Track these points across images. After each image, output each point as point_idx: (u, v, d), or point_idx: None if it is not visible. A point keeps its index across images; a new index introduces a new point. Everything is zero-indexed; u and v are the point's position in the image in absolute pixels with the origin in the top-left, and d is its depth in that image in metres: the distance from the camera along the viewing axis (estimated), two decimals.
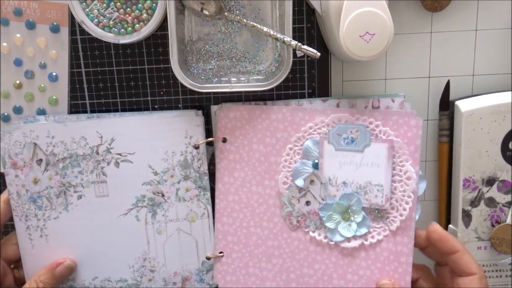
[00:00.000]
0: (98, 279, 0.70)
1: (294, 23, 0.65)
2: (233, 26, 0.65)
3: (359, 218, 0.64)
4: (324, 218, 0.65)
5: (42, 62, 0.67)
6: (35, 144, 0.67)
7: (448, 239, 0.61)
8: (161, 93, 0.69)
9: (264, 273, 0.69)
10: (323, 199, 0.65)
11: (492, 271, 0.70)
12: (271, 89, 0.66)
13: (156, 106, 0.69)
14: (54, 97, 0.68)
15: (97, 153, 0.67)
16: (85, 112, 0.69)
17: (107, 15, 0.63)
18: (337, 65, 0.69)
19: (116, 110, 0.69)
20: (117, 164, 0.68)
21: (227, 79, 0.66)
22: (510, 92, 0.66)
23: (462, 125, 0.66)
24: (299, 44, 0.61)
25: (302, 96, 0.68)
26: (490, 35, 0.68)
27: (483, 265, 0.70)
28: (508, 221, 0.68)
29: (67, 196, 0.68)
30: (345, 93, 0.69)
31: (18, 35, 0.66)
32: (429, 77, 0.69)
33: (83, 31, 0.66)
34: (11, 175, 0.67)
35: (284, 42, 0.61)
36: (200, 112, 0.67)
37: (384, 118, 0.63)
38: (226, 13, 0.64)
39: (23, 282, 0.69)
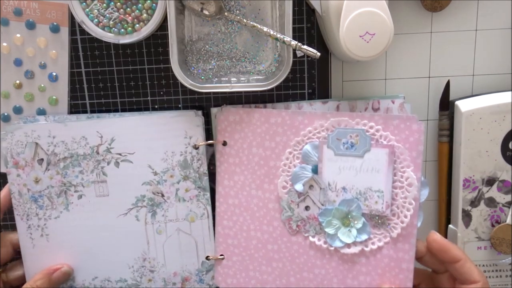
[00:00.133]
0: (98, 279, 0.70)
1: (294, 23, 0.65)
2: (233, 26, 0.65)
3: (359, 224, 0.63)
4: (323, 223, 0.64)
5: (42, 62, 0.67)
6: (36, 143, 0.67)
7: (449, 248, 0.60)
8: (161, 93, 0.69)
9: (265, 276, 0.68)
10: (322, 204, 0.65)
11: (492, 271, 0.70)
12: (271, 89, 0.66)
13: (156, 106, 0.69)
14: (54, 97, 0.68)
15: (97, 153, 0.67)
16: (85, 112, 0.69)
17: (107, 15, 0.63)
18: (337, 65, 0.69)
19: (116, 110, 0.69)
20: (117, 164, 0.68)
21: (227, 79, 0.66)
22: (510, 92, 0.66)
23: (462, 125, 0.66)
24: (299, 44, 0.61)
25: (302, 96, 0.68)
26: (490, 35, 0.68)
27: (483, 265, 0.70)
28: (508, 221, 0.68)
29: (67, 195, 0.68)
30: (345, 93, 0.69)
31: (18, 35, 0.66)
32: (429, 77, 0.69)
33: (83, 31, 0.66)
34: (13, 174, 0.67)
35: (284, 42, 0.61)
36: (199, 112, 0.67)
37: (385, 123, 0.62)
38: (226, 13, 0.64)
39: (11, 285, 0.69)
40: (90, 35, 0.64)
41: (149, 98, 0.69)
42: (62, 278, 0.68)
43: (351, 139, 0.63)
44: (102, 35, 0.64)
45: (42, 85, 0.68)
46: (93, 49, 0.67)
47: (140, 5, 0.63)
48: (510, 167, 0.67)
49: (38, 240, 0.69)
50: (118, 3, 0.63)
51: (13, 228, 0.71)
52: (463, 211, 0.68)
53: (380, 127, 0.62)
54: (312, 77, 0.68)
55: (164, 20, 0.64)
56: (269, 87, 0.63)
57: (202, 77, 0.66)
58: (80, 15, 0.63)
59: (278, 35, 0.62)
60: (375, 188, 0.63)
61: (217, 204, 0.69)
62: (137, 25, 0.63)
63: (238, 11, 0.64)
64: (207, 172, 0.68)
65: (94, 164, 0.68)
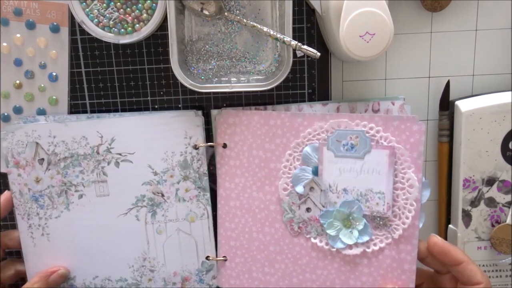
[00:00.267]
0: (99, 278, 0.70)
1: (294, 23, 0.65)
2: (233, 26, 0.65)
3: (360, 226, 0.63)
4: (325, 225, 0.64)
5: (42, 62, 0.67)
6: (37, 143, 0.67)
7: (451, 251, 0.60)
8: (161, 93, 0.69)
9: (267, 277, 0.68)
10: (323, 206, 0.65)
11: (492, 271, 0.70)
12: (271, 89, 0.66)
13: (156, 106, 0.69)
14: (54, 97, 0.68)
15: (98, 152, 0.67)
16: (85, 112, 0.69)
17: (107, 15, 0.63)
18: (337, 65, 0.69)
19: (116, 110, 0.69)
20: (117, 164, 0.68)
21: (227, 79, 0.66)
22: (510, 92, 0.66)
23: (462, 125, 0.66)
24: (299, 44, 0.61)
25: (302, 96, 0.68)
26: (490, 35, 0.68)
27: (483, 265, 0.70)
28: (508, 221, 0.68)
29: (68, 195, 0.68)
30: (345, 93, 0.69)
31: (18, 35, 0.66)
32: (429, 77, 0.69)
33: (83, 31, 0.66)
34: (13, 174, 0.67)
35: (284, 42, 0.61)
36: (199, 112, 0.67)
37: (385, 124, 0.62)
38: (226, 13, 0.64)
39: (3, 285, 0.69)
40: (90, 35, 0.64)
41: (149, 98, 0.69)
42: (59, 280, 0.68)
43: (351, 141, 0.63)
44: (102, 35, 0.64)
45: (42, 85, 0.68)
46: (93, 49, 0.67)
47: (140, 5, 0.63)
48: (510, 167, 0.67)
49: (39, 240, 0.69)
50: (118, 3, 0.63)
51: (13, 227, 0.71)
52: (463, 211, 0.68)
53: (380, 128, 0.62)
54: (312, 77, 0.68)
55: (164, 20, 0.64)
56: (269, 87, 0.63)
57: (202, 77, 0.66)
58: (80, 15, 0.63)
59: (278, 35, 0.62)
60: (376, 189, 0.62)
61: (218, 206, 0.69)
62: (137, 25, 0.63)
63: (238, 11, 0.64)
64: (207, 172, 0.68)
65: (94, 164, 0.68)
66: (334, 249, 0.65)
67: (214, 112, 0.68)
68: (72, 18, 0.66)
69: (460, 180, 0.68)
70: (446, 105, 0.68)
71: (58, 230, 0.69)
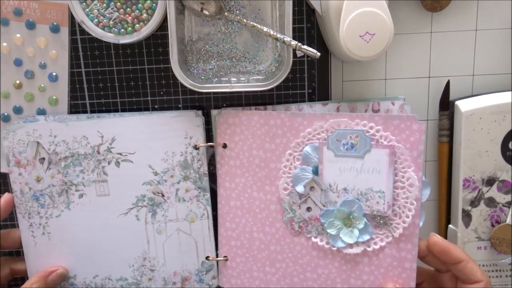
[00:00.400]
0: (99, 277, 0.71)
1: (294, 23, 0.65)
2: (233, 26, 0.65)
3: (361, 225, 0.63)
4: (325, 224, 0.64)
5: (42, 62, 0.67)
6: (38, 143, 0.67)
7: (451, 250, 0.60)
8: (161, 93, 0.69)
9: (268, 276, 0.69)
10: (324, 205, 0.65)
11: (492, 271, 0.70)
12: (271, 89, 0.66)
13: (156, 106, 0.69)
14: (54, 97, 0.68)
15: (98, 152, 0.67)
16: (85, 112, 0.69)
17: (107, 15, 0.63)
18: (337, 65, 0.69)
19: (116, 110, 0.69)
20: (117, 163, 0.68)
21: (227, 79, 0.66)
22: (510, 92, 0.66)
23: (462, 125, 0.66)
24: (299, 44, 0.61)
25: (302, 96, 0.68)
26: (490, 35, 0.68)
27: (483, 265, 0.70)
28: (508, 221, 0.68)
29: (68, 194, 0.68)
30: (345, 93, 0.69)
31: (18, 35, 0.66)
32: (429, 77, 0.69)
33: (83, 31, 0.66)
34: (15, 173, 0.68)
35: (284, 42, 0.61)
36: (200, 112, 0.67)
37: (385, 123, 0.62)
38: (226, 13, 0.64)
39: None
40: (90, 35, 0.64)
41: (149, 98, 0.69)
42: (57, 280, 0.69)
43: (351, 140, 0.63)
44: (102, 35, 0.64)
45: (42, 85, 0.68)
46: (93, 49, 0.67)
47: (140, 5, 0.63)
48: (510, 167, 0.67)
49: (40, 238, 0.69)
50: (118, 3, 0.63)
51: (13, 227, 0.71)
52: (463, 211, 0.68)
53: (380, 127, 0.62)
54: (312, 77, 0.68)
55: (164, 20, 0.64)
56: (269, 87, 0.63)
57: (202, 77, 0.66)
58: (80, 15, 0.63)
59: (278, 35, 0.62)
60: (376, 188, 0.63)
61: (219, 206, 0.69)
62: (137, 25, 0.63)
63: (238, 11, 0.64)
64: (207, 172, 0.68)
65: (95, 163, 0.68)
66: (335, 248, 0.65)
67: (214, 112, 0.68)
68: (72, 18, 0.66)
69: (460, 180, 0.68)
70: (446, 105, 0.68)
71: (59, 229, 0.69)
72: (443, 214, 0.71)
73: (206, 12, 0.64)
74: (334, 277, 0.66)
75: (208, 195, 0.69)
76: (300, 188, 0.65)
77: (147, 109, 0.69)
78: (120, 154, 0.68)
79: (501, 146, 0.66)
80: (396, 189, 0.62)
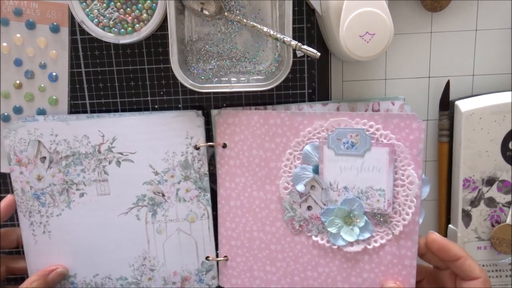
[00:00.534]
0: (99, 277, 0.71)
1: (294, 23, 0.65)
2: (233, 26, 0.65)
3: (361, 223, 0.64)
4: (326, 223, 0.65)
5: (42, 62, 0.67)
6: (39, 141, 0.67)
7: (449, 247, 0.61)
8: (161, 93, 0.69)
9: (269, 276, 0.69)
10: (324, 204, 0.65)
11: (492, 271, 0.71)
12: (271, 89, 0.66)
13: (156, 106, 0.69)
14: (54, 97, 0.68)
15: (99, 151, 0.67)
16: (85, 112, 0.69)
17: (107, 15, 0.63)
18: (337, 65, 0.69)
19: (116, 110, 0.69)
20: (118, 163, 0.68)
21: (227, 79, 0.66)
22: (510, 92, 0.66)
23: (462, 125, 0.66)
24: (299, 44, 0.61)
25: (302, 96, 0.68)
26: (490, 35, 0.67)
27: (483, 265, 0.70)
28: (508, 221, 0.68)
29: (69, 193, 0.68)
30: (345, 93, 0.69)
31: (18, 35, 0.66)
32: (429, 77, 0.69)
33: (83, 31, 0.66)
34: (16, 171, 0.68)
35: (284, 42, 0.61)
36: (200, 112, 0.67)
37: (385, 122, 0.62)
38: (226, 13, 0.64)
39: None
40: (90, 35, 0.64)
41: (149, 98, 0.69)
42: (57, 279, 0.69)
43: (351, 139, 0.63)
44: (102, 35, 0.64)
45: (42, 85, 0.68)
46: (93, 49, 0.67)
47: (140, 5, 0.63)
48: (510, 167, 0.67)
49: (41, 237, 0.69)
50: (118, 3, 0.63)
51: (13, 226, 0.71)
52: (463, 211, 0.68)
53: (380, 126, 0.62)
54: (312, 77, 0.68)
55: (164, 20, 0.64)
56: (269, 87, 0.63)
57: (202, 77, 0.66)
58: (80, 15, 0.63)
59: (278, 35, 0.62)
60: (376, 186, 0.63)
61: (219, 206, 0.69)
62: (137, 25, 0.63)
63: (238, 11, 0.64)
64: (207, 172, 0.68)
65: (95, 163, 0.68)
66: (335, 247, 0.65)
67: (214, 112, 0.68)
68: (72, 18, 0.66)
69: (460, 180, 0.68)
70: (446, 105, 0.68)
71: (59, 228, 0.69)
72: (443, 214, 0.71)
73: (206, 12, 0.64)
74: (335, 275, 0.66)
75: (208, 195, 0.69)
76: (300, 187, 0.65)
77: (147, 109, 0.69)
78: (121, 153, 0.68)
79: (501, 146, 0.66)
80: (396, 187, 0.63)
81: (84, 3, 0.62)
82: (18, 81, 0.67)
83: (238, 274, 0.70)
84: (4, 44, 0.66)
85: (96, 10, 0.63)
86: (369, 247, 0.64)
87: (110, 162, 0.68)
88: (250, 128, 0.66)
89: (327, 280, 0.67)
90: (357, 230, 0.64)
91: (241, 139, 0.67)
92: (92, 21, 0.63)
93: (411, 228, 0.63)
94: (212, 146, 0.68)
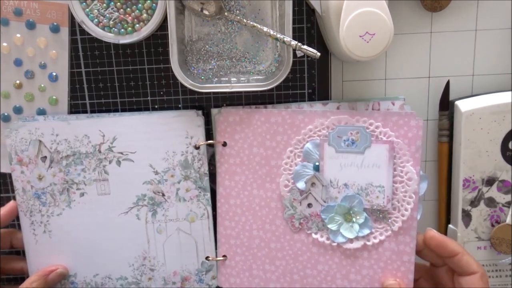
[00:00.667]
0: (99, 276, 0.71)
1: (294, 23, 0.65)
2: (233, 26, 0.65)
3: (361, 219, 0.64)
4: (326, 220, 0.65)
5: (42, 62, 0.67)
6: (40, 141, 0.67)
7: (447, 243, 0.61)
8: (161, 93, 0.69)
9: (268, 274, 0.69)
10: (324, 201, 0.65)
11: (492, 271, 0.71)
12: (271, 89, 0.66)
13: (156, 106, 0.69)
14: (54, 97, 0.68)
15: (99, 151, 0.68)
16: (85, 112, 0.69)
17: (107, 15, 0.63)
18: (337, 65, 0.69)
19: (116, 110, 0.69)
20: (118, 162, 0.68)
21: (227, 79, 0.66)
22: (510, 92, 0.66)
23: (462, 125, 0.66)
24: (299, 44, 0.61)
25: (302, 96, 0.68)
26: (490, 35, 0.67)
27: (483, 265, 0.70)
28: (508, 221, 0.68)
29: (70, 193, 0.68)
30: (345, 93, 0.69)
31: (18, 35, 0.66)
32: (429, 77, 0.69)
33: (83, 31, 0.66)
34: (17, 171, 0.68)
35: (284, 42, 0.61)
36: (200, 112, 0.67)
37: (384, 119, 0.63)
38: (226, 13, 0.64)
39: None
40: (90, 35, 0.64)
41: (149, 98, 0.69)
42: (57, 279, 0.69)
43: (351, 136, 0.63)
44: (102, 35, 0.64)
45: (42, 85, 0.68)
46: (93, 49, 0.67)
47: (140, 5, 0.63)
48: (510, 167, 0.67)
49: (41, 237, 0.69)
50: (118, 3, 0.63)
51: (13, 226, 0.72)
52: (463, 211, 0.68)
53: (380, 123, 0.63)
54: (312, 77, 0.68)
55: (164, 20, 0.64)
56: (269, 87, 0.63)
57: (202, 77, 0.66)
58: (80, 15, 0.63)
59: (278, 35, 0.62)
60: (376, 183, 0.63)
61: (218, 205, 0.69)
62: (137, 25, 0.63)
63: (238, 11, 0.64)
64: (207, 172, 0.68)
65: (96, 162, 0.68)
66: (335, 244, 0.66)
67: (214, 111, 0.68)
68: (72, 18, 0.66)
69: (460, 180, 0.68)
70: (446, 105, 0.68)
71: (60, 227, 0.69)
72: (443, 214, 0.71)
73: (206, 12, 0.64)
74: (334, 273, 0.67)
75: (208, 194, 0.69)
76: (301, 185, 0.65)
77: (147, 109, 0.69)
78: (121, 153, 0.68)
79: (501, 146, 0.66)
80: (395, 183, 0.63)
81: (84, 3, 0.63)
82: (18, 81, 0.67)
83: (237, 274, 0.70)
84: (4, 44, 0.66)
85: (96, 10, 0.63)
86: (368, 243, 0.65)
87: (110, 162, 0.68)
88: (251, 126, 0.66)
89: (326, 277, 0.67)
90: (356, 226, 0.65)
91: (242, 138, 0.67)
92: (92, 21, 0.63)
93: (409, 224, 0.64)
94: (212, 146, 0.68)
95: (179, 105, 0.69)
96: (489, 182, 0.68)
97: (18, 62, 0.67)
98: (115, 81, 0.68)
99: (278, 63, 0.65)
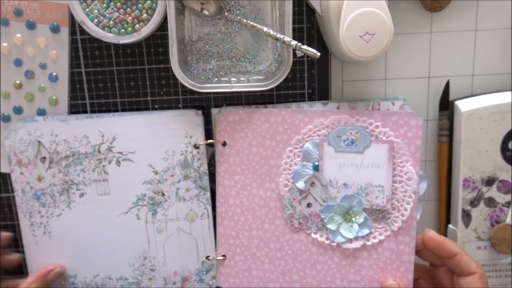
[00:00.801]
0: (99, 277, 0.71)
1: (294, 23, 0.65)
2: (233, 26, 0.65)
3: (360, 219, 0.64)
4: (325, 219, 0.65)
5: (42, 62, 0.67)
6: (39, 142, 0.67)
7: (446, 244, 0.61)
8: (161, 93, 0.69)
9: (267, 274, 0.69)
10: (324, 201, 0.65)
11: (492, 271, 0.71)
12: (271, 89, 0.67)
13: (156, 106, 0.69)
14: (54, 97, 0.68)
15: (99, 151, 0.68)
16: (85, 112, 0.69)
17: (107, 15, 0.63)
18: (337, 65, 0.69)
19: (116, 110, 0.69)
20: (118, 162, 0.68)
21: (227, 79, 0.66)
22: (510, 92, 0.66)
23: (462, 125, 0.66)
24: (299, 44, 0.61)
25: (302, 96, 0.68)
26: (490, 35, 0.67)
27: (483, 265, 0.70)
28: (508, 221, 0.68)
29: (69, 193, 0.68)
30: (345, 93, 0.69)
31: (18, 35, 0.66)
32: (429, 77, 0.69)
33: (83, 31, 0.66)
34: (16, 172, 0.68)
35: (284, 42, 0.61)
36: (200, 112, 0.67)
37: (384, 119, 0.63)
38: (226, 13, 0.64)
39: None
40: (90, 35, 0.64)
41: (149, 98, 0.69)
42: (56, 278, 0.69)
43: (351, 136, 0.63)
44: (102, 35, 0.64)
45: (42, 85, 0.68)
46: (93, 49, 0.67)
47: (140, 5, 0.63)
48: (510, 167, 0.67)
49: (41, 237, 0.69)
50: (118, 3, 0.63)
51: (13, 227, 0.71)
52: (463, 211, 0.69)
53: (379, 123, 0.63)
54: (312, 77, 0.68)
55: (164, 20, 0.64)
56: (269, 87, 0.63)
57: (202, 77, 0.66)
58: (80, 15, 0.63)
59: (278, 35, 0.62)
60: (375, 183, 0.63)
61: (217, 204, 0.69)
62: (137, 25, 0.63)
63: (238, 11, 0.64)
64: (207, 171, 0.68)
65: (95, 162, 0.68)
66: (335, 244, 0.66)
67: (214, 111, 0.68)
68: (72, 18, 0.66)
69: (460, 180, 0.68)
70: (446, 105, 0.68)
71: (60, 228, 0.69)
72: (443, 214, 0.71)
73: (206, 12, 0.64)
74: (334, 273, 0.67)
75: (208, 194, 0.69)
76: (300, 184, 0.65)
77: (147, 109, 0.69)
78: (121, 153, 0.68)
79: (501, 146, 0.66)
80: (394, 183, 0.63)
81: (84, 3, 0.63)
82: (18, 81, 0.67)
83: (236, 273, 0.70)
84: (4, 44, 0.66)
85: (96, 10, 0.63)
86: (368, 243, 0.65)
87: (110, 162, 0.68)
88: (250, 126, 0.66)
89: (325, 277, 0.67)
90: (356, 226, 0.65)
91: (241, 137, 0.67)
92: (92, 21, 0.63)
93: (409, 224, 0.64)
94: (211, 146, 0.68)
95: (179, 105, 0.69)
96: (489, 182, 0.68)
97: (18, 62, 0.67)
98: (115, 81, 0.68)
99: (278, 63, 0.65)
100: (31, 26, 0.66)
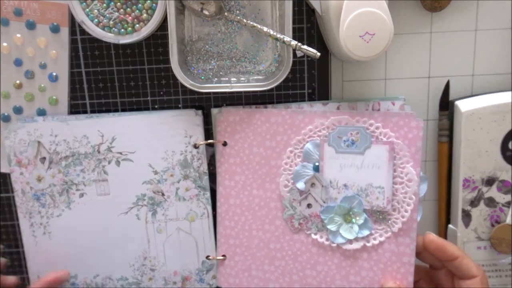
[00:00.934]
0: (100, 277, 0.71)
1: (294, 23, 0.65)
2: (233, 26, 0.65)
3: (360, 220, 0.64)
4: (325, 220, 0.65)
5: (42, 62, 0.67)
6: (39, 142, 0.67)
7: (446, 247, 0.61)
8: (161, 93, 0.69)
9: (267, 275, 0.69)
10: (324, 202, 0.65)
11: (492, 271, 0.71)
12: (271, 89, 0.67)
13: (156, 106, 0.69)
14: (54, 97, 0.68)
15: (99, 151, 0.68)
16: (85, 112, 0.69)
17: (107, 15, 0.63)
18: (337, 65, 0.69)
19: (116, 110, 0.69)
20: (118, 162, 0.68)
21: (227, 79, 0.66)
22: (510, 92, 0.66)
23: (462, 125, 0.66)
24: (299, 44, 0.61)
25: (302, 96, 0.68)
26: (490, 35, 0.67)
27: (483, 265, 0.70)
28: (508, 221, 0.68)
29: (69, 194, 0.68)
30: (345, 93, 0.69)
31: (18, 35, 0.66)
32: (429, 77, 0.69)
33: (83, 31, 0.66)
34: (16, 172, 0.68)
35: (284, 42, 0.61)
36: (199, 111, 0.67)
37: (385, 120, 0.63)
38: (226, 13, 0.64)
39: None
40: (90, 35, 0.64)
41: (149, 98, 0.69)
42: (60, 284, 0.69)
43: (352, 137, 0.63)
44: (102, 35, 0.64)
45: (42, 85, 0.68)
46: (93, 49, 0.67)
47: (140, 5, 0.63)
48: (510, 167, 0.67)
49: (41, 238, 0.69)
50: (118, 3, 0.63)
51: (13, 227, 0.71)
52: (463, 211, 0.68)
53: (380, 124, 0.63)
54: (312, 77, 0.68)
55: (164, 20, 0.64)
56: (269, 87, 0.63)
57: (202, 77, 0.66)
58: (80, 15, 0.63)
59: (278, 35, 0.62)
60: (376, 184, 0.63)
61: (218, 204, 0.69)
62: (137, 25, 0.63)
63: (238, 11, 0.64)
64: (207, 171, 0.68)
65: (95, 163, 0.68)
66: (335, 245, 0.66)
67: (214, 111, 0.68)
68: (72, 18, 0.66)
69: (460, 180, 0.68)
70: (446, 105, 0.68)
71: (60, 228, 0.69)
72: (443, 214, 0.71)
73: (206, 12, 0.64)
74: (334, 274, 0.66)
75: (208, 193, 0.69)
76: (301, 185, 0.65)
77: (147, 109, 0.69)
78: (121, 153, 0.68)
79: (501, 146, 0.66)
80: (395, 184, 0.63)
81: (84, 3, 0.63)
82: (18, 81, 0.67)
83: (236, 274, 0.70)
84: (4, 44, 0.66)
85: (96, 10, 0.63)
86: (368, 244, 0.65)
87: (109, 162, 0.68)
88: (251, 126, 0.66)
89: (325, 278, 0.67)
90: (356, 227, 0.64)
91: (242, 137, 0.67)
92: (92, 21, 0.63)
93: (409, 225, 0.64)
94: (211, 146, 0.68)
95: (179, 105, 0.69)
96: (489, 182, 0.68)
97: (18, 62, 0.67)
98: (115, 81, 0.68)
99: (278, 63, 0.65)
100: (31, 26, 0.66)
